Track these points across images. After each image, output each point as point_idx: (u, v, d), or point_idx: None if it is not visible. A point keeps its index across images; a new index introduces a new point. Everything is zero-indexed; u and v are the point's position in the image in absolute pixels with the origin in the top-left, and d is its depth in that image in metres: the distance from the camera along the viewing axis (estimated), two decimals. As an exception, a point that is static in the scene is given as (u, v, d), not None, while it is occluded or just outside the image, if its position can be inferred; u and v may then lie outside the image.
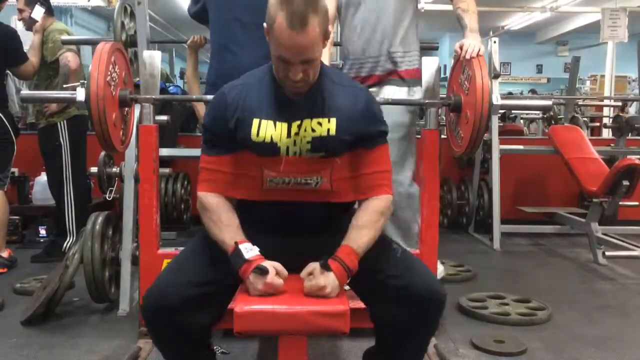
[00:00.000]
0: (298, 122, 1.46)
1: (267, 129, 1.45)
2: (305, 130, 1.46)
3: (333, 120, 1.46)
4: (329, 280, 1.38)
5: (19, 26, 3.71)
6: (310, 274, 1.40)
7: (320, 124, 1.46)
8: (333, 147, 1.47)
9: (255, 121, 1.46)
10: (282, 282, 1.40)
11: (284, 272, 1.42)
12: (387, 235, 1.61)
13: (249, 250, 1.41)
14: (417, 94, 2.34)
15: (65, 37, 3.32)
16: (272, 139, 1.45)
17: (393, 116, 2.17)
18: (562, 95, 9.47)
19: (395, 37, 2.34)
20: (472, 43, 1.99)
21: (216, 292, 1.44)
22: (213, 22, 2.60)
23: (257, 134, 1.45)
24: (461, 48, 1.99)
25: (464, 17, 2.19)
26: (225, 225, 1.47)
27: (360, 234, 1.45)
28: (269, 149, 1.46)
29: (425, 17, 10.82)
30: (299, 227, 1.53)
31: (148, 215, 1.98)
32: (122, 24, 2.75)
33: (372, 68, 2.38)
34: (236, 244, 1.42)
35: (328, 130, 1.46)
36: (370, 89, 2.26)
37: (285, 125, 1.46)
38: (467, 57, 1.95)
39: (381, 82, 2.40)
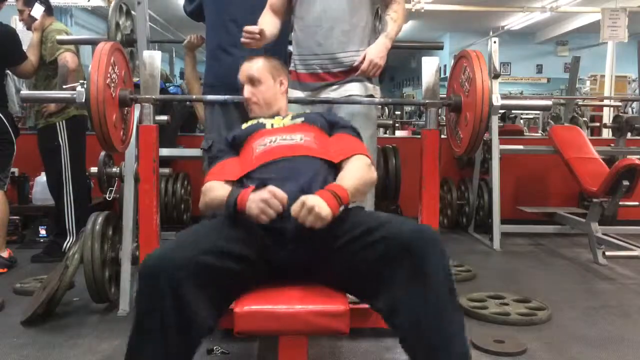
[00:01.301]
0: (280, 118, 1.85)
1: (254, 121, 1.85)
2: (284, 118, 1.85)
3: (306, 116, 1.86)
4: (315, 200, 1.39)
5: (19, 26, 3.71)
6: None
7: (296, 115, 1.86)
8: (310, 116, 1.84)
9: (244, 124, 1.85)
10: (285, 195, 1.41)
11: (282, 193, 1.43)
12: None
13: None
14: (378, 91, 2.37)
15: (62, 36, 3.31)
16: (257, 121, 1.83)
17: (363, 115, 2.25)
18: (562, 96, 9.49)
19: (355, 35, 2.26)
20: (374, 59, 2.12)
21: (230, 271, 1.38)
22: (209, 23, 2.59)
23: (246, 124, 1.84)
24: (364, 58, 2.13)
25: (388, 24, 2.24)
26: (221, 188, 1.60)
27: (347, 174, 1.59)
28: (256, 126, 1.79)
29: (425, 17, 10.88)
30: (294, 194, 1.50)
31: (148, 215, 1.98)
32: (117, 24, 2.75)
33: (326, 65, 2.27)
34: (232, 189, 1.54)
35: (304, 114, 1.88)
36: (333, 86, 2.27)
37: (269, 119, 1.84)
38: (366, 70, 2.12)
39: (343, 80, 2.29)
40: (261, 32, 2.06)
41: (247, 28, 2.03)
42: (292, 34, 2.40)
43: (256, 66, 1.88)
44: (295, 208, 1.39)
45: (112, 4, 2.74)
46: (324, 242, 1.46)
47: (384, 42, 2.19)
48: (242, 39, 2.05)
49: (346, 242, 1.43)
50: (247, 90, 1.87)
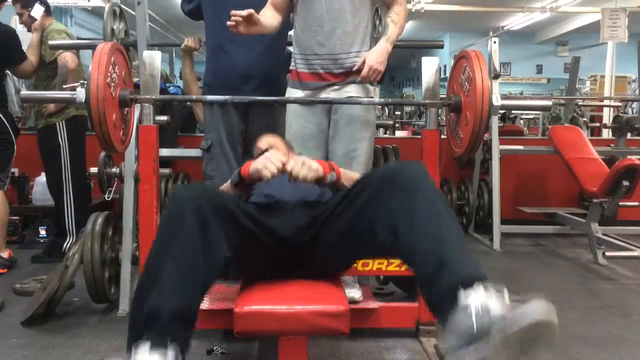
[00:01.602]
0: None
1: None
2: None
3: None
4: (306, 158, 1.60)
5: (19, 27, 3.71)
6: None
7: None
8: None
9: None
10: (284, 159, 1.59)
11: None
12: None
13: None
14: (377, 93, 2.42)
15: (55, 41, 3.24)
16: None
17: (362, 118, 2.27)
18: (562, 96, 9.48)
19: (356, 36, 2.26)
20: (374, 64, 2.11)
21: (245, 228, 1.48)
22: (208, 23, 2.59)
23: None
24: (364, 63, 2.14)
25: (389, 27, 2.24)
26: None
27: (343, 171, 1.72)
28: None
29: (425, 17, 10.87)
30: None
31: (148, 215, 1.98)
32: (112, 30, 2.73)
33: (327, 66, 2.27)
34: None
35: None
36: (334, 86, 2.27)
37: None
38: (366, 77, 2.13)
39: (343, 81, 2.29)
40: (251, 17, 1.99)
41: (234, 12, 1.97)
42: (292, 32, 2.39)
43: (275, 138, 2.12)
44: (289, 165, 1.56)
45: (106, 9, 2.72)
46: (317, 213, 1.59)
47: (385, 46, 2.18)
48: (228, 22, 1.97)
49: (335, 205, 1.55)
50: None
